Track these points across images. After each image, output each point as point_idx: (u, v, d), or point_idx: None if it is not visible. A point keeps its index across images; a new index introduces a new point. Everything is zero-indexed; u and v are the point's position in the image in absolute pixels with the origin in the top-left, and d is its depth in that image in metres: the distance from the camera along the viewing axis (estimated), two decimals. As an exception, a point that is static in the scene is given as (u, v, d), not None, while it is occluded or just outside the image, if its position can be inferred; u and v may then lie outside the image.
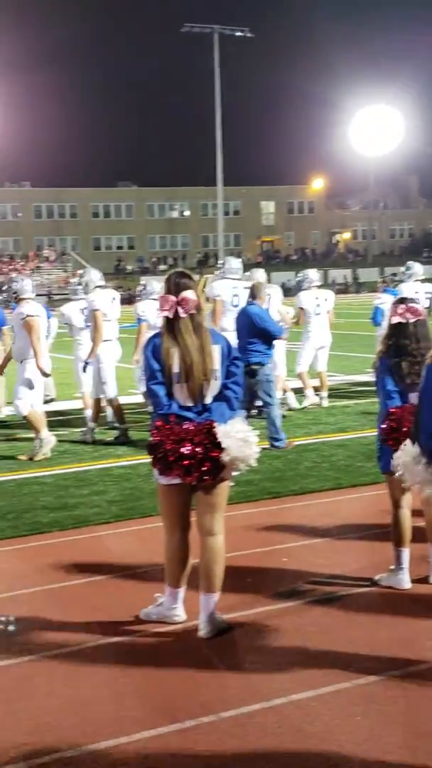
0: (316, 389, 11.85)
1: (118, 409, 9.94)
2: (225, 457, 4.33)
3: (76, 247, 76.53)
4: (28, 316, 8.83)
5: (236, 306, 10.23)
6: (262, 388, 9.09)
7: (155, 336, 4.57)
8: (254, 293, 9.35)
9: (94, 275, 10.19)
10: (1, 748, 3.42)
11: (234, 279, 10.51)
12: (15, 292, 9.20)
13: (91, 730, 3.55)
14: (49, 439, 9.03)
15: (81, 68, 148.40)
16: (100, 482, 7.89)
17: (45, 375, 9.07)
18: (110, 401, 9.93)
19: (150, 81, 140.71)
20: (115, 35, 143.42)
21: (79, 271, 11.42)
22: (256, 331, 9.01)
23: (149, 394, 4.55)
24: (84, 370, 10.12)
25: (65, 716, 3.68)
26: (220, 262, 11.32)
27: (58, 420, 11.39)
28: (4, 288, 11.98)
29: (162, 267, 68.30)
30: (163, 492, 4.55)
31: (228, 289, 10.50)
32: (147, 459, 4.53)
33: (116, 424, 10.02)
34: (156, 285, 10.49)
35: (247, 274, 11.80)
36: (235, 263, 10.72)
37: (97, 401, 9.99)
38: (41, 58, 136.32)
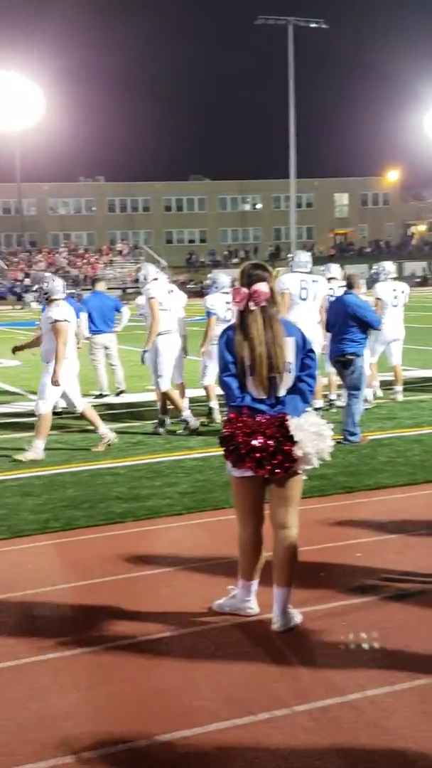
0: (390, 383, 11.71)
1: (165, 401, 9.92)
2: (297, 451, 4.30)
3: (149, 240, 77.15)
4: (56, 321, 8.64)
5: (304, 299, 10.16)
6: (353, 379, 9.03)
7: (229, 328, 4.57)
8: (351, 283, 9.30)
9: (150, 269, 10.23)
10: (76, 735, 3.46)
11: (302, 272, 10.42)
12: (46, 293, 8.97)
13: (165, 719, 3.57)
14: (39, 449, 8.74)
15: (153, 63, 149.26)
16: (172, 474, 7.93)
17: (56, 384, 8.69)
18: (164, 394, 9.91)
19: (223, 74, 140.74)
20: (187, 29, 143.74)
21: (139, 265, 11.53)
22: (352, 321, 8.94)
23: (222, 386, 4.55)
24: (143, 360, 10.17)
25: (139, 705, 3.70)
26: (289, 255, 11.25)
27: (129, 412, 11.51)
28: (35, 288, 11.94)
29: (234, 260, 68.32)
30: (235, 484, 4.55)
31: (296, 283, 10.44)
32: (219, 451, 4.53)
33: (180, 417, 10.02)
34: (224, 278, 10.50)
35: (322, 268, 11.71)
36: (304, 256, 10.63)
37: (164, 393, 10.03)
38: (113, 56, 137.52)
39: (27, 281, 59.47)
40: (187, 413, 9.86)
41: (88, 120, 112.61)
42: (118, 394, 12.89)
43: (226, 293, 10.14)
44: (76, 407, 9.07)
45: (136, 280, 10.27)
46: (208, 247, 76.98)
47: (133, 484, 7.62)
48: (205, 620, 4.59)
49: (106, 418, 10.75)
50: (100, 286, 13.62)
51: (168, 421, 10.05)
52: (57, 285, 9.00)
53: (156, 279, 10.06)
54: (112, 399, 12.75)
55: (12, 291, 60.14)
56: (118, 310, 13.02)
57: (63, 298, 9.01)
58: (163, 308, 9.81)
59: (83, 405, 9.10)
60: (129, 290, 47.97)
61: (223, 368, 4.49)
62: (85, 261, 67.22)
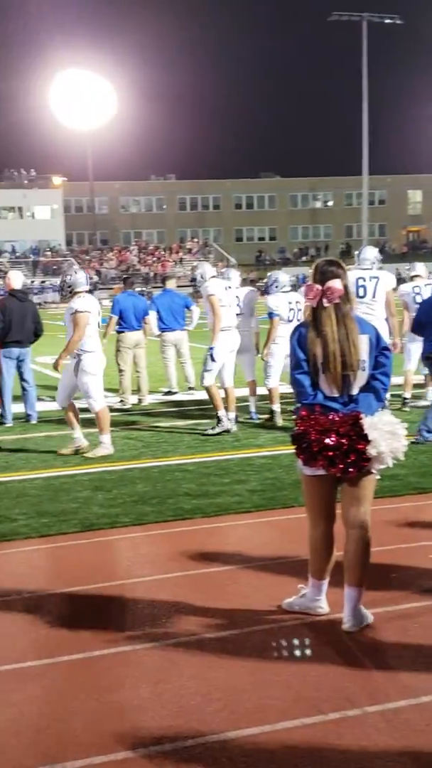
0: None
1: (226, 399, 9.86)
2: (371, 450, 4.26)
3: (218, 238, 77.31)
4: (77, 311, 8.70)
5: (362, 297, 9.94)
6: None
7: (301, 325, 4.54)
8: None
9: (207, 268, 10.19)
10: (146, 729, 3.49)
11: (363, 269, 10.20)
12: (69, 286, 9.04)
13: (234, 716, 3.57)
14: (107, 443, 8.87)
15: (224, 60, 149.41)
16: (241, 471, 7.93)
17: (55, 369, 8.99)
18: (207, 390, 9.87)
19: (295, 70, 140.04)
20: (259, 25, 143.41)
21: (195, 263, 11.41)
22: None
23: (294, 383, 4.52)
24: (213, 358, 10.14)
25: (209, 701, 3.71)
26: (356, 252, 11.11)
27: (198, 409, 11.55)
28: (59, 281, 11.88)
29: (303, 258, 68.03)
30: (307, 483, 4.52)
31: (351, 281, 10.34)
32: (288, 449, 4.51)
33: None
34: (284, 277, 10.45)
35: (407, 266, 11.53)
36: (369, 253, 10.39)
37: (206, 388, 10.02)
38: (183, 53, 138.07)
39: (95, 278, 60.25)
40: (221, 412, 9.82)
41: (160, 118, 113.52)
42: (188, 390, 12.95)
43: (286, 292, 10.10)
44: (62, 403, 9.09)
45: (193, 280, 10.18)
46: (278, 244, 76.75)
47: (202, 480, 7.64)
48: (274, 618, 4.58)
49: (175, 415, 10.82)
50: (170, 284, 13.68)
51: (231, 416, 10.01)
52: (80, 277, 9.09)
53: (214, 276, 10.06)
54: (181, 396, 12.81)
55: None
56: (188, 307, 13.05)
57: (86, 290, 9.09)
58: (223, 305, 9.81)
59: (102, 404, 9.03)
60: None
61: (295, 365, 4.47)
62: (155, 259, 67.71)
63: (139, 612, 4.74)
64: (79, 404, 9.11)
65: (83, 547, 5.97)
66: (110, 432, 8.99)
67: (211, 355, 9.69)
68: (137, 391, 12.38)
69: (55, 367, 8.94)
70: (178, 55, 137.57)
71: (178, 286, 15.66)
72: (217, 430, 9.71)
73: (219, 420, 9.75)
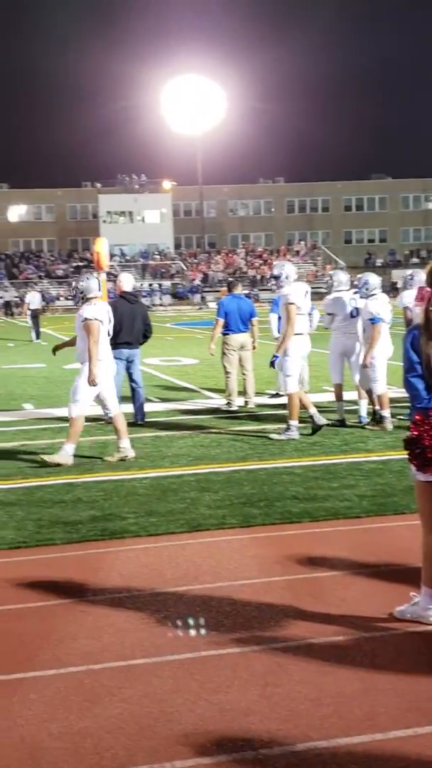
0: None
1: (296, 405, 9.74)
2: None
3: (327, 240, 76.86)
4: (86, 319, 8.58)
5: None
6: None
7: (414, 328, 4.45)
8: None
9: (290, 269, 10.09)
10: (255, 732, 3.47)
11: None
12: (82, 292, 8.91)
13: (344, 722, 3.51)
14: (67, 454, 8.61)
15: (333, 62, 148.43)
16: (350, 476, 7.83)
17: (93, 384, 8.62)
18: (289, 396, 9.78)
19: (404, 70, 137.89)
20: (364, 27, 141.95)
21: (276, 262, 11.18)
22: None
23: (408, 387, 4.43)
24: (272, 365, 10.05)
25: (318, 706, 3.66)
26: None
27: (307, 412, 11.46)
28: (72, 287, 11.78)
29: (414, 260, 66.87)
30: (420, 489, 4.42)
31: None
32: (400, 455, 4.42)
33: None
34: (374, 279, 10.30)
35: None
36: None
37: (289, 395, 9.92)
38: (291, 56, 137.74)
39: (196, 282, 60.77)
40: (294, 422, 9.71)
41: (269, 121, 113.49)
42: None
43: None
44: (109, 410, 8.97)
45: (274, 277, 10.09)
46: (388, 246, 75.75)
47: (310, 484, 7.58)
48: (385, 626, 4.49)
49: (281, 418, 10.74)
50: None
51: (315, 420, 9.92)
52: (92, 284, 8.93)
53: (296, 280, 9.98)
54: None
55: (192, 291, 61.57)
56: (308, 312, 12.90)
57: (98, 297, 8.95)
58: (300, 312, 9.75)
59: (117, 409, 8.94)
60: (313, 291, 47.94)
61: (409, 368, 4.38)
62: (261, 261, 67.78)
63: (247, 614, 4.73)
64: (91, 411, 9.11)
65: (190, 547, 6.00)
66: (77, 443, 8.75)
67: (287, 362, 9.66)
68: (243, 393, 12.39)
69: (92, 383, 8.63)
70: (287, 57, 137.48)
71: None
72: (283, 437, 9.65)
73: (288, 427, 9.69)
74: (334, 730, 3.46)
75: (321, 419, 9.79)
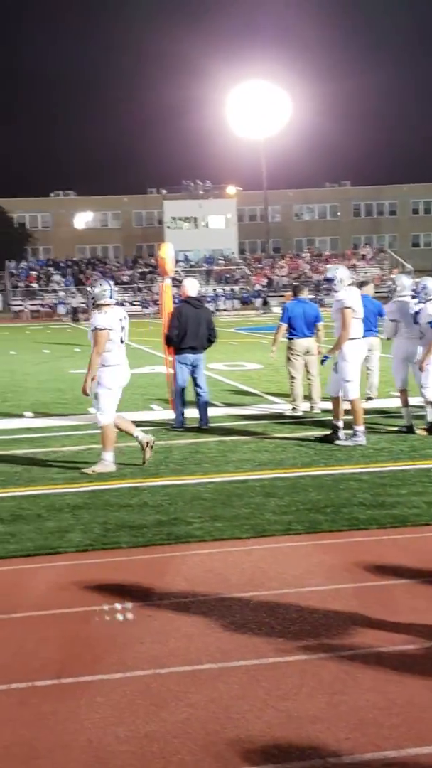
0: None
1: (358, 411, 9.61)
2: None
3: (394, 244, 76.16)
4: (97, 328, 8.46)
5: None
6: None
7: None
8: None
9: (344, 272, 9.97)
10: (323, 740, 3.42)
11: None
12: (93, 297, 8.75)
13: (414, 732, 3.45)
14: (108, 462, 8.55)
15: (399, 63, 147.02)
16: (419, 483, 7.71)
17: (85, 394, 8.65)
18: (351, 402, 9.65)
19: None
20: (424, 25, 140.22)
21: (330, 265, 11.02)
22: None
23: None
24: (322, 363, 9.94)
25: (387, 716, 3.60)
26: None
27: (373, 418, 11.35)
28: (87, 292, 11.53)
29: None
30: None
31: None
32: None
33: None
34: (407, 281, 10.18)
35: None
36: None
37: (338, 399, 9.81)
38: (356, 57, 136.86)
39: (258, 287, 60.71)
40: (361, 428, 9.59)
41: (334, 124, 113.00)
42: (366, 400, 12.74)
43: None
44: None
45: (327, 280, 9.93)
46: (457, 250, 74.73)
47: (377, 491, 7.49)
48: (455, 636, 4.40)
49: (347, 423, 10.65)
50: (368, 290, 13.41)
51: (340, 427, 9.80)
52: (105, 290, 8.75)
53: (350, 285, 9.88)
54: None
55: (255, 296, 61.56)
56: (381, 315, 12.76)
57: (111, 304, 8.74)
58: (356, 316, 9.65)
59: (109, 420, 8.70)
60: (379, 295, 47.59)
61: None
62: (327, 266, 67.43)
63: (314, 621, 4.68)
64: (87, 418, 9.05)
65: (256, 553, 5.97)
66: (114, 450, 8.67)
67: (346, 368, 9.56)
68: (309, 398, 12.31)
69: (84, 392, 8.65)
70: (351, 59, 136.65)
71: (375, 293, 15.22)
72: (350, 443, 9.55)
73: (355, 433, 9.59)
74: (403, 740, 3.40)
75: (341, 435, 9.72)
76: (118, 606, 5.03)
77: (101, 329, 8.45)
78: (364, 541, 6.16)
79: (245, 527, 6.52)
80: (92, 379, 8.56)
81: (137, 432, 8.84)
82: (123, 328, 8.69)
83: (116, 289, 9.33)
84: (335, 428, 9.79)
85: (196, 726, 3.60)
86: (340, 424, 9.77)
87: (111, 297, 8.81)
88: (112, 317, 8.58)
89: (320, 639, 4.44)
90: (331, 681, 3.96)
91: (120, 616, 4.87)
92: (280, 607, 4.92)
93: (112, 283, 9.19)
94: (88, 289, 10.99)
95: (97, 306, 8.70)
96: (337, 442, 9.66)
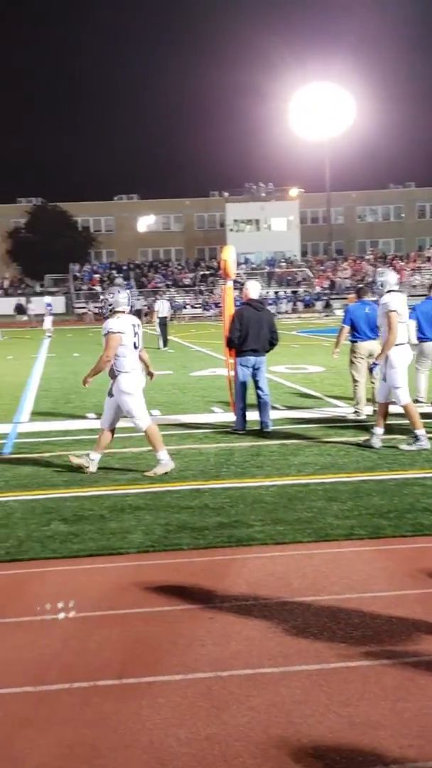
0: None
1: (413, 416, 9.46)
2: None
3: (460, 246, 75.05)
4: (109, 332, 8.59)
5: None
6: None
7: None
8: None
9: (391, 276, 9.82)
10: (386, 747, 3.38)
11: None
12: (110, 305, 8.87)
13: None
14: (166, 461, 8.67)
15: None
16: None
17: (85, 384, 8.81)
18: (405, 407, 9.48)
19: None
20: None
21: (379, 269, 10.83)
22: None
23: None
24: (371, 371, 9.78)
25: (451, 726, 3.55)
26: None
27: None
28: (101, 299, 11.55)
29: None
30: None
31: None
32: None
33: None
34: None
35: None
36: None
37: (385, 406, 9.66)
38: (421, 57, 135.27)
39: (318, 289, 60.29)
40: (421, 431, 9.41)
41: (398, 125, 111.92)
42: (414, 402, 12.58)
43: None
44: (103, 424, 8.98)
45: (373, 283, 9.78)
46: None
47: (442, 495, 7.38)
48: None
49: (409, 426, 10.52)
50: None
51: (378, 432, 9.66)
52: (121, 298, 8.90)
53: (392, 290, 9.71)
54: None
55: (317, 298, 61.29)
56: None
57: (126, 311, 8.90)
58: (402, 321, 9.51)
59: (108, 425, 8.90)
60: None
61: None
62: (390, 268, 66.81)
63: (377, 627, 4.63)
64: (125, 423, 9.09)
65: (318, 557, 5.93)
66: (164, 448, 8.78)
67: (395, 374, 9.43)
68: (372, 401, 12.19)
69: (84, 383, 8.88)
70: (416, 59, 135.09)
71: (410, 296, 15.08)
72: (414, 447, 9.40)
73: (417, 438, 9.44)
74: (469, 750, 3.34)
75: (377, 442, 9.58)
76: (179, 607, 5.04)
77: (114, 332, 8.67)
78: (428, 547, 6.07)
79: (307, 531, 6.48)
80: (94, 375, 8.80)
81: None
82: (136, 333, 8.89)
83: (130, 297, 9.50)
84: (372, 434, 9.73)
85: (257, 730, 3.58)
86: (380, 431, 9.68)
87: (127, 305, 9.04)
88: (125, 322, 8.80)
89: (383, 645, 4.39)
90: (394, 687, 3.91)
91: (181, 618, 4.88)
92: (343, 612, 4.88)
93: (128, 292, 9.40)
94: (102, 296, 11.24)
95: (113, 312, 8.90)
96: (401, 446, 9.54)
